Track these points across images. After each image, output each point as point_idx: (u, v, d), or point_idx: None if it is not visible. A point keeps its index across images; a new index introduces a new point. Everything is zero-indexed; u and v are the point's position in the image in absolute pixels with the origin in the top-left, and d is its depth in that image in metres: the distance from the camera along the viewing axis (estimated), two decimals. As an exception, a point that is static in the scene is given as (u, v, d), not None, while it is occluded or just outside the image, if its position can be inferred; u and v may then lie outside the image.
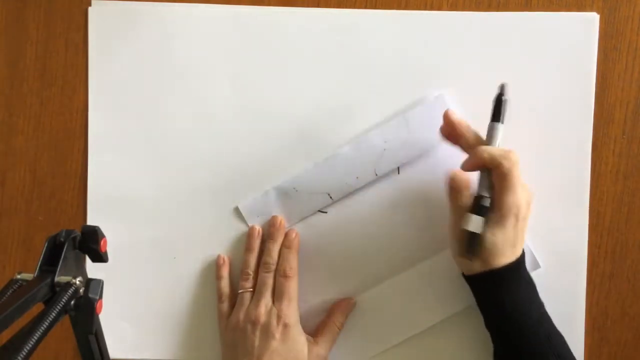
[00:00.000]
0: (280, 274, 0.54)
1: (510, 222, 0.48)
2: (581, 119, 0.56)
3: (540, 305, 0.51)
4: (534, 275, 0.56)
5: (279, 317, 0.53)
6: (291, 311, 0.53)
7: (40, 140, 0.59)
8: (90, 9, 0.58)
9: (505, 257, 0.49)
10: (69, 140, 0.59)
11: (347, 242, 0.57)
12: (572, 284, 0.56)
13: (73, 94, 0.59)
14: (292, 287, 0.54)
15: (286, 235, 0.56)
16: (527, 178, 0.56)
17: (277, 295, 0.54)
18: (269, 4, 0.57)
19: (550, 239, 0.56)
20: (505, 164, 0.47)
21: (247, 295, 0.55)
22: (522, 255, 0.51)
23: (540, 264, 0.56)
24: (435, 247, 0.56)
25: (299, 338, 0.53)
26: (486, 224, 0.48)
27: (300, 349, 0.53)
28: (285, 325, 0.52)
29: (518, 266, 0.50)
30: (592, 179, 0.56)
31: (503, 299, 0.50)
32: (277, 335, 0.52)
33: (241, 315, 0.54)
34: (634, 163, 0.57)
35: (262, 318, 0.53)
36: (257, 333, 0.52)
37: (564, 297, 0.56)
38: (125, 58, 0.58)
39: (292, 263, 0.55)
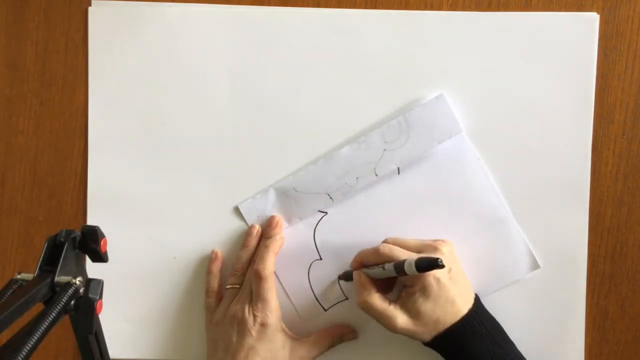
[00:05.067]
0: (253, 274, 0.53)
1: (431, 285, 0.49)
2: (581, 119, 0.56)
3: (505, 353, 0.50)
4: (534, 275, 0.56)
5: (255, 315, 0.52)
6: (267, 311, 0.52)
7: (40, 140, 0.59)
8: (90, 9, 0.58)
9: (448, 316, 0.49)
10: (69, 140, 0.59)
11: (347, 242, 0.57)
12: (572, 284, 0.56)
13: (73, 94, 0.59)
14: (265, 287, 0.52)
15: (271, 235, 0.56)
16: (527, 178, 0.56)
17: (253, 295, 0.53)
18: (269, 4, 0.57)
19: (550, 239, 0.56)
20: (379, 258, 0.51)
21: (233, 291, 0.55)
22: (475, 306, 0.51)
23: (540, 264, 0.56)
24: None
25: (278, 337, 0.52)
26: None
27: (279, 348, 0.52)
28: (263, 324, 0.52)
29: (467, 323, 0.49)
30: (592, 179, 0.56)
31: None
32: (254, 333, 0.52)
33: (223, 311, 0.54)
34: (634, 163, 0.57)
35: (240, 315, 0.52)
36: (235, 329, 0.52)
37: (564, 297, 0.56)
38: (125, 58, 0.58)
39: (267, 263, 0.53)
